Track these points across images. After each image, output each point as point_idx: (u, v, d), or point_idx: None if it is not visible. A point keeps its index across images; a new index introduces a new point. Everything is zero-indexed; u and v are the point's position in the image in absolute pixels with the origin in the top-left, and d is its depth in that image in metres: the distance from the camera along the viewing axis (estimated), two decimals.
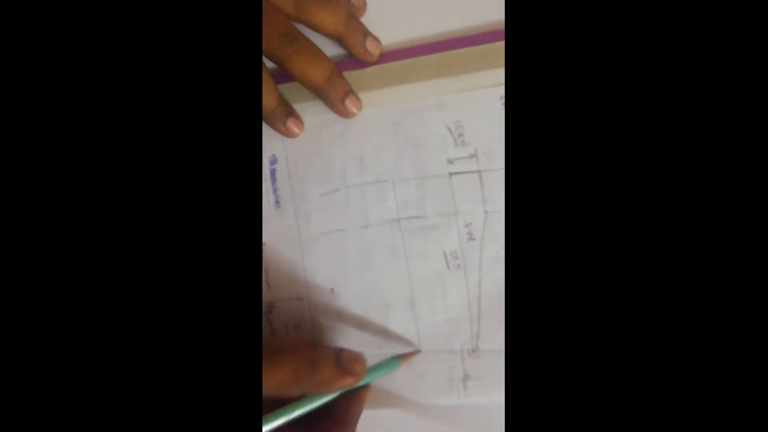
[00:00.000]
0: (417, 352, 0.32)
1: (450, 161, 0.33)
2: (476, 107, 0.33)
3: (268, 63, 0.33)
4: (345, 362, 0.29)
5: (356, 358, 0.29)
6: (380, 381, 0.34)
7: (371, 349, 0.34)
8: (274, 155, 0.35)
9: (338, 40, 0.33)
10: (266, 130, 0.34)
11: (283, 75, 0.33)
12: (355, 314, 0.34)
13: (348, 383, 0.29)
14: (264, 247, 0.35)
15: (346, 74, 0.33)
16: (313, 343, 0.34)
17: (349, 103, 0.33)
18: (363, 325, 0.34)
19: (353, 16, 0.33)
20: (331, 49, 0.34)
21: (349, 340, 0.34)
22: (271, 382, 0.27)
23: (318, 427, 0.29)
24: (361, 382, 0.29)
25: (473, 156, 0.33)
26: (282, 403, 0.28)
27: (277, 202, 0.35)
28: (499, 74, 0.32)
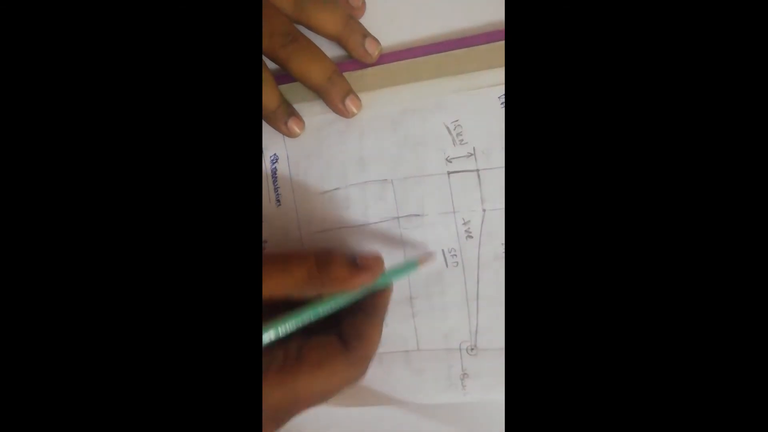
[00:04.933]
0: (433, 253, 0.33)
1: (448, 160, 0.33)
2: (474, 107, 0.33)
3: (269, 64, 0.33)
4: (360, 260, 0.28)
5: (372, 255, 0.29)
6: (379, 379, 0.34)
7: None
8: (275, 154, 0.35)
9: (337, 41, 0.34)
10: (268, 129, 0.35)
11: (285, 76, 0.34)
12: None
13: (364, 280, 0.28)
14: (265, 245, 0.35)
15: (347, 74, 0.34)
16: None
17: (350, 102, 0.33)
18: None
19: (352, 17, 0.34)
20: (331, 50, 0.34)
21: None
22: (284, 284, 0.27)
23: (345, 319, 0.29)
24: (380, 282, 0.29)
25: (471, 155, 0.33)
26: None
27: (278, 200, 0.35)
28: (497, 74, 0.32)
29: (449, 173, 0.33)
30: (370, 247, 0.34)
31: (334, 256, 0.28)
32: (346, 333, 0.28)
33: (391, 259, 0.34)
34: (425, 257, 0.33)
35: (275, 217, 0.35)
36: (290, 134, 0.34)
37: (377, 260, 0.29)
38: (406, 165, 0.34)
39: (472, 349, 0.33)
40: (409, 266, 0.32)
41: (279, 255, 0.28)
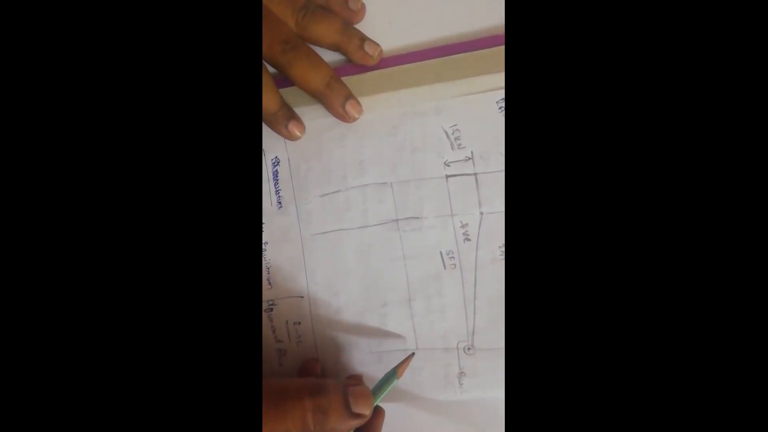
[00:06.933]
0: (411, 355, 0.32)
1: (447, 164, 0.34)
2: (473, 111, 0.33)
3: (270, 69, 0.34)
4: (354, 405, 0.28)
5: (364, 396, 0.29)
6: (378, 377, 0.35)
7: (369, 347, 0.35)
8: (276, 157, 0.36)
9: (337, 49, 0.34)
10: (269, 133, 0.35)
11: (286, 80, 0.34)
12: (354, 312, 0.35)
13: (358, 424, 0.29)
14: (266, 247, 0.36)
15: (346, 79, 0.34)
16: (312, 348, 0.35)
17: (350, 107, 0.34)
18: (361, 322, 0.35)
19: (350, 24, 0.34)
20: (332, 56, 0.35)
21: (347, 337, 0.35)
22: (278, 430, 0.27)
23: None
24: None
25: (469, 159, 0.33)
26: None
27: (279, 202, 0.36)
28: (495, 79, 0.33)
29: (447, 177, 0.34)
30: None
31: (330, 404, 0.28)
32: None
33: (389, 261, 0.34)
34: (405, 363, 0.32)
35: (276, 219, 0.36)
36: (290, 137, 0.35)
37: (368, 400, 0.29)
38: (405, 168, 0.34)
39: (469, 349, 0.34)
40: (390, 380, 0.31)
41: (273, 392, 0.28)
